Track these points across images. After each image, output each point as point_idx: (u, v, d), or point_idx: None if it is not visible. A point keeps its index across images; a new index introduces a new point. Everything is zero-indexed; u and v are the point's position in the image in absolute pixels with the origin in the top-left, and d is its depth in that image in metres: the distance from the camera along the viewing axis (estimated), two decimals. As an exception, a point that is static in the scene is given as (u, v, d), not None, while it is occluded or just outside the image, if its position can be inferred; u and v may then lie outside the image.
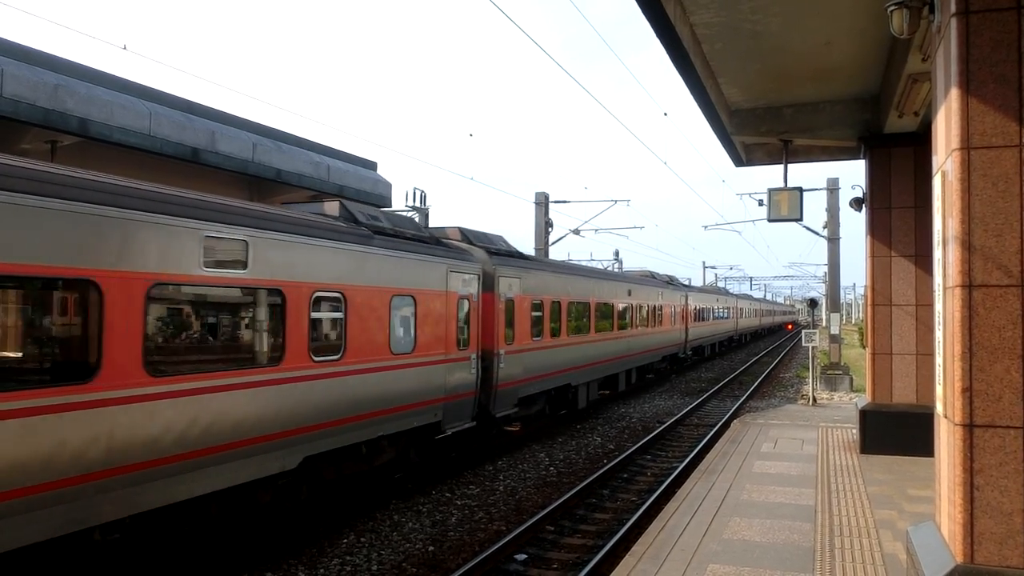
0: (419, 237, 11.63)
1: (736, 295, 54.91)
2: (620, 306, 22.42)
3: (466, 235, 14.25)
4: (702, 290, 38.88)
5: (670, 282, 30.19)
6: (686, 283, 37.65)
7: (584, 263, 38.76)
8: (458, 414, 12.22)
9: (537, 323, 15.87)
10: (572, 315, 18.20)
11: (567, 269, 19.47)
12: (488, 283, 13.57)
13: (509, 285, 14.40)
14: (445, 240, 13.20)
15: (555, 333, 16.89)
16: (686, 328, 31.64)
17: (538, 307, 15.99)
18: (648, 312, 25.79)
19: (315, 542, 9.08)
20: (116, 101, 11.17)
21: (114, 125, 11.07)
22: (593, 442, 16.22)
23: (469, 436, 13.12)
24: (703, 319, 36.01)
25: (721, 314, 42.63)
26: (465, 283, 12.54)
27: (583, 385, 18.83)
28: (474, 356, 12.78)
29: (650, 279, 28.47)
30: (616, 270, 38.37)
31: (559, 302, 17.25)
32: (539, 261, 18.07)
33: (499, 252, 14.74)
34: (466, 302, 12.61)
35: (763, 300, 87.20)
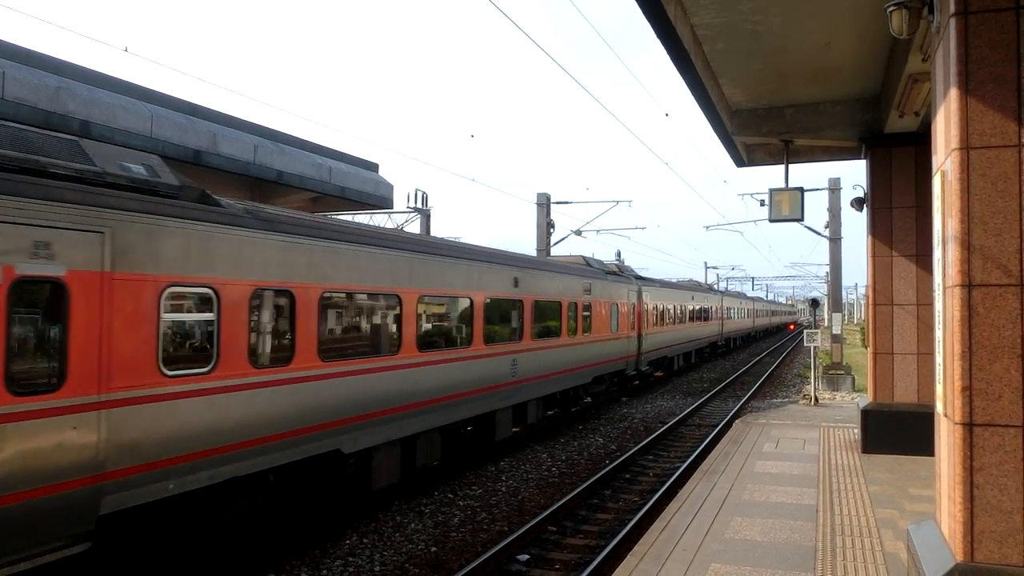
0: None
1: (721, 292, 46.64)
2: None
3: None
4: (669, 285, 31.82)
5: (617, 272, 23.37)
6: (643, 275, 28.80)
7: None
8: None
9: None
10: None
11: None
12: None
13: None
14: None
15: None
16: (639, 335, 23.87)
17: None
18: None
19: (318, 543, 9.10)
20: (118, 103, 11.22)
21: (116, 127, 11.12)
22: (595, 442, 16.23)
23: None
24: (667, 322, 28.63)
25: (699, 315, 35.76)
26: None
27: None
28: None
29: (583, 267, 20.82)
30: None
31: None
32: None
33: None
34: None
35: (758, 299, 76.49)
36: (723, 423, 18.11)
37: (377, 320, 10.24)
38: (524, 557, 8.89)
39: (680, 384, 28.43)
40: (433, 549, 9.08)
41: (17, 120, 9.83)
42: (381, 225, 17.62)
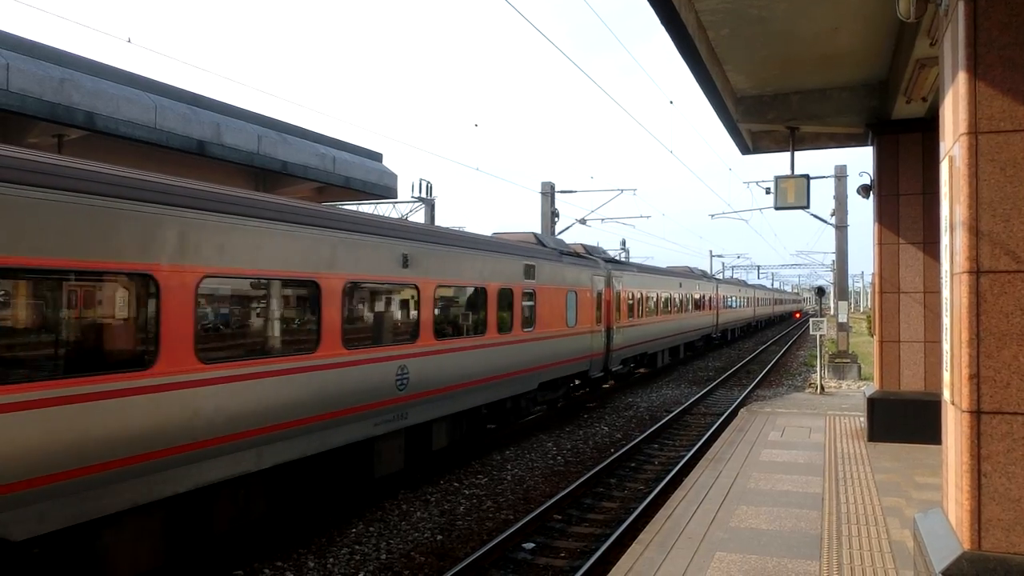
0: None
1: (717, 279, 41.01)
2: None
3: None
4: (649, 270, 26.77)
5: (579, 253, 19.44)
6: (619, 258, 26.85)
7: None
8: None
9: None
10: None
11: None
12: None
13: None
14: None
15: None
16: (608, 329, 20.16)
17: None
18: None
19: (324, 531, 9.14)
20: (122, 94, 11.19)
21: (120, 118, 11.10)
22: (600, 431, 16.25)
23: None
24: (648, 312, 24.52)
25: (689, 304, 31.38)
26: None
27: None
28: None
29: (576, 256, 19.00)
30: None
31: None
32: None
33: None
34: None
35: (760, 287, 68.22)
36: (728, 412, 18.10)
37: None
38: (530, 545, 8.92)
39: (685, 373, 28.41)
40: (439, 537, 9.11)
41: (22, 111, 9.84)
42: (385, 215, 17.59)
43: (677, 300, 29.25)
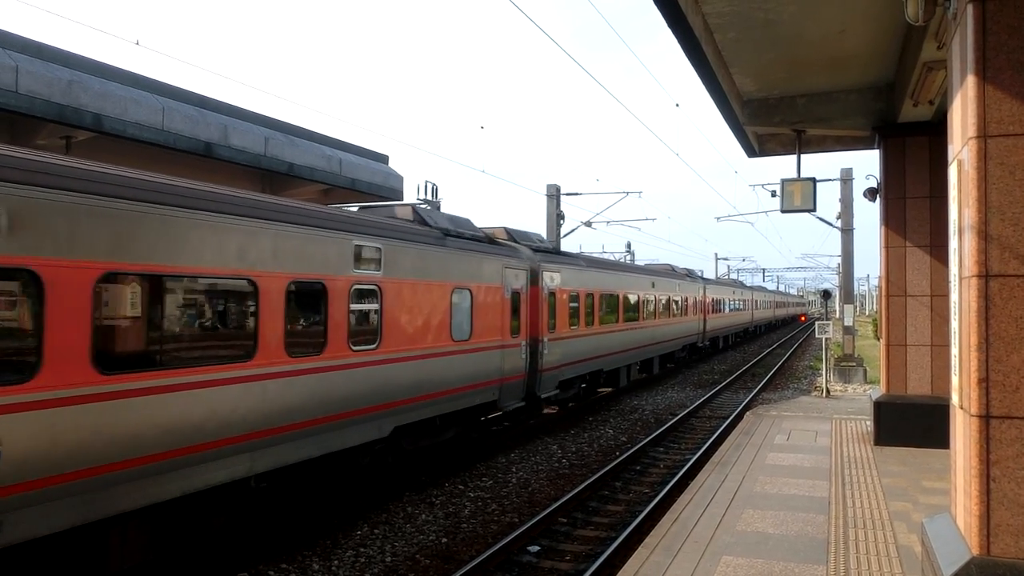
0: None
1: (704, 279, 35.54)
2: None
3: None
4: (603, 265, 21.52)
5: (487, 239, 13.78)
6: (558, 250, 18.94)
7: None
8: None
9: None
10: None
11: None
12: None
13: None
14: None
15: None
16: (536, 342, 15.09)
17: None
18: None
19: (329, 534, 9.14)
20: (130, 96, 11.24)
21: (128, 120, 11.15)
22: (606, 434, 16.22)
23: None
24: (601, 319, 19.30)
25: (666, 309, 26.34)
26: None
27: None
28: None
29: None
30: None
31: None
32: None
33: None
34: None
35: (760, 288, 63.24)
36: (734, 415, 18.05)
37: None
38: (534, 548, 8.90)
39: (690, 376, 28.37)
40: (444, 540, 9.11)
41: (30, 113, 9.89)
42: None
43: (649, 303, 23.80)
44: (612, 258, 39.65)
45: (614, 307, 20.44)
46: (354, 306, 9.35)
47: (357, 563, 8.31)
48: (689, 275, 31.95)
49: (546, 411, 17.51)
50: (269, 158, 13.81)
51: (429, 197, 25.39)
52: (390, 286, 10.04)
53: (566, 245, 29.28)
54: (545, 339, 15.28)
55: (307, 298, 8.65)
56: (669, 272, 28.97)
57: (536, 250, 15.91)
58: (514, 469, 12.73)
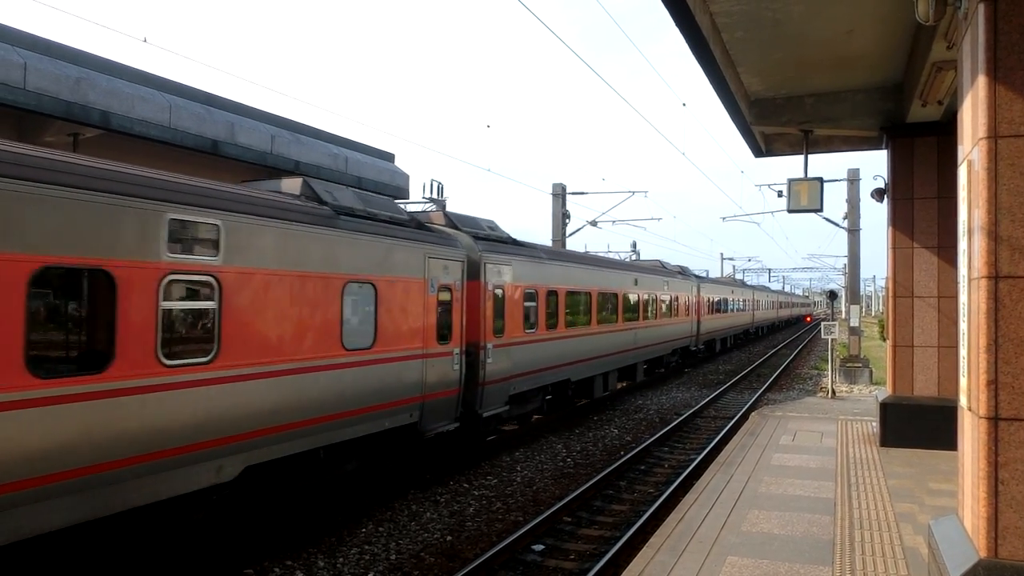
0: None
1: (698, 277, 33.07)
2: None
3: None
4: (566, 258, 17.81)
5: (405, 222, 11.33)
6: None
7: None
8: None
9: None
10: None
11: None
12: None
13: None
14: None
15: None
16: (478, 349, 12.78)
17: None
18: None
19: (334, 531, 9.16)
20: (137, 94, 11.28)
21: (135, 117, 11.19)
22: (610, 433, 16.22)
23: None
24: (565, 321, 16.41)
25: (651, 310, 23.59)
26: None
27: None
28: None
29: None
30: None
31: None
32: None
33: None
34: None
35: (763, 288, 60.47)
36: (739, 415, 18.02)
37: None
38: (539, 547, 8.90)
39: (695, 376, 28.32)
40: (448, 538, 9.11)
41: (38, 110, 9.92)
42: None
43: (631, 303, 21.31)
44: (614, 257, 37.25)
45: (585, 307, 17.81)
46: (170, 304, 6.90)
47: (362, 560, 8.32)
48: (682, 272, 29.64)
49: (505, 429, 15.02)
50: (275, 156, 13.84)
51: (434, 196, 25.38)
52: (235, 278, 7.47)
53: (571, 244, 29.07)
54: (488, 345, 12.70)
55: (76, 292, 6.27)
56: (657, 268, 26.68)
57: (479, 238, 13.16)
58: (519, 468, 12.73)
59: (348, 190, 10.17)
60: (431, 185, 25.47)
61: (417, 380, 10.58)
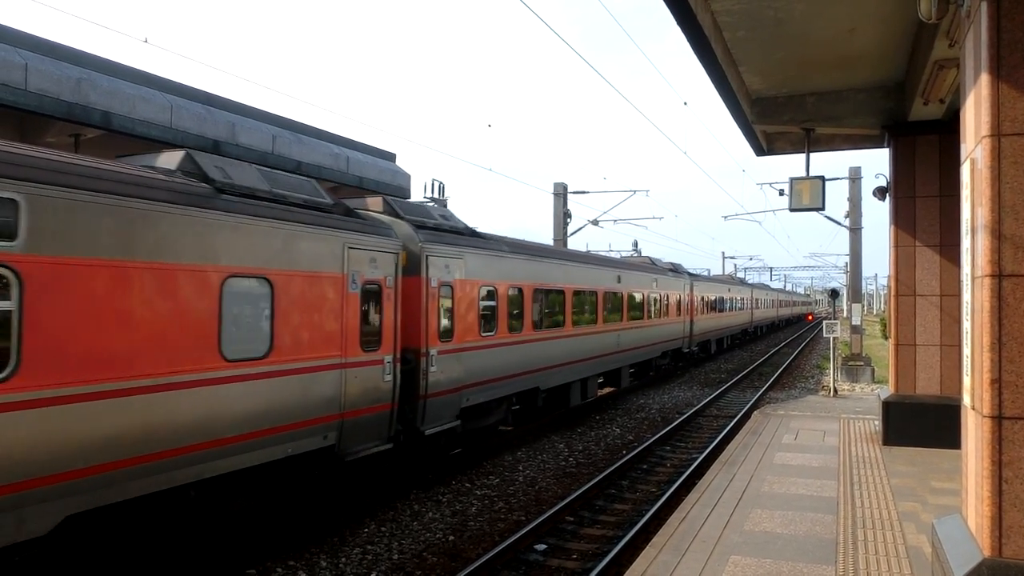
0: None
1: (691, 275, 31.16)
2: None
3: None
4: (521, 249, 14.95)
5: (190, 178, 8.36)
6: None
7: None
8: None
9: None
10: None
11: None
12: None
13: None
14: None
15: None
16: (399, 360, 10.34)
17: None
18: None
19: (337, 531, 9.16)
20: (138, 94, 11.28)
21: (136, 118, 11.19)
22: (612, 433, 16.21)
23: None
24: (511, 323, 14.02)
25: (631, 309, 21.46)
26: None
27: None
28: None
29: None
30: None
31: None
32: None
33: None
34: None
35: (762, 287, 58.88)
36: (741, 414, 18.01)
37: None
38: (541, 547, 8.90)
39: (697, 375, 28.32)
40: (451, 538, 9.11)
41: (40, 111, 9.93)
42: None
43: (613, 302, 19.74)
44: (615, 256, 34.53)
45: (558, 306, 16.11)
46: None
47: (364, 560, 8.32)
48: (673, 269, 28.14)
49: (506, 430, 13.85)
50: (276, 156, 13.84)
51: (436, 195, 25.36)
52: (45, 271, 5.93)
53: (573, 243, 29.03)
54: (432, 351, 11.06)
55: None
56: (645, 265, 24.92)
57: (422, 227, 11.37)
58: (521, 467, 12.73)
59: (252, 168, 8.60)
60: (432, 184, 25.45)
61: (333, 395, 8.90)
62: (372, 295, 9.74)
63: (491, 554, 8.12)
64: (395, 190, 17.46)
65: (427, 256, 11.08)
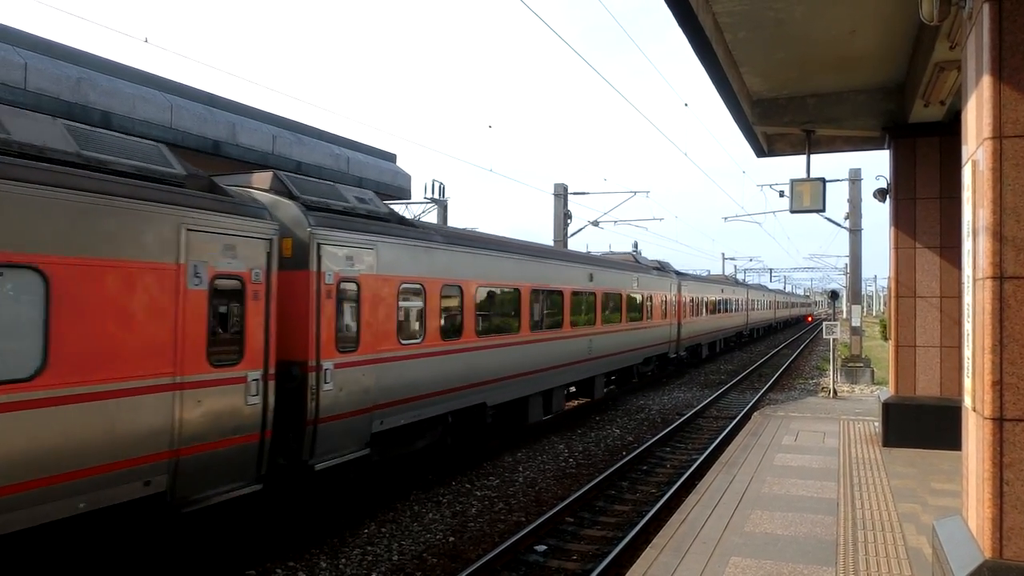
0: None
1: (679, 274, 28.82)
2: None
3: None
4: (460, 241, 12.29)
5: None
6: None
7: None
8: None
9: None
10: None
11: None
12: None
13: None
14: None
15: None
16: (264, 382, 8.03)
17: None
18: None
19: (337, 532, 9.15)
20: (138, 94, 11.28)
21: (136, 118, 11.19)
22: (612, 434, 16.21)
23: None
24: (424, 328, 10.91)
25: (596, 309, 18.55)
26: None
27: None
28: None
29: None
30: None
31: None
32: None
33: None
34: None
35: (758, 287, 56.99)
36: (741, 415, 18.01)
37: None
38: (541, 548, 8.90)
39: (697, 376, 28.32)
40: (451, 539, 9.11)
41: (38, 110, 9.92)
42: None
43: (583, 303, 17.46)
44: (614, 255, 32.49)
45: (512, 308, 13.91)
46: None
47: (364, 561, 8.31)
48: (659, 268, 25.88)
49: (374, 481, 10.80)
50: (277, 156, 13.84)
51: (436, 196, 25.28)
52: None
53: (573, 244, 28.96)
54: (327, 364, 8.81)
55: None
56: (625, 263, 22.42)
57: (316, 208, 9.09)
58: (521, 468, 12.73)
59: (57, 123, 6.52)
60: (433, 185, 25.41)
61: (160, 425, 6.73)
62: (228, 293, 7.51)
63: (491, 555, 8.12)
64: (396, 191, 17.46)
65: (319, 244, 8.73)
